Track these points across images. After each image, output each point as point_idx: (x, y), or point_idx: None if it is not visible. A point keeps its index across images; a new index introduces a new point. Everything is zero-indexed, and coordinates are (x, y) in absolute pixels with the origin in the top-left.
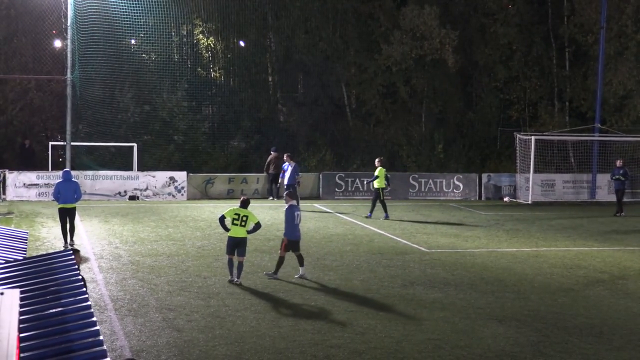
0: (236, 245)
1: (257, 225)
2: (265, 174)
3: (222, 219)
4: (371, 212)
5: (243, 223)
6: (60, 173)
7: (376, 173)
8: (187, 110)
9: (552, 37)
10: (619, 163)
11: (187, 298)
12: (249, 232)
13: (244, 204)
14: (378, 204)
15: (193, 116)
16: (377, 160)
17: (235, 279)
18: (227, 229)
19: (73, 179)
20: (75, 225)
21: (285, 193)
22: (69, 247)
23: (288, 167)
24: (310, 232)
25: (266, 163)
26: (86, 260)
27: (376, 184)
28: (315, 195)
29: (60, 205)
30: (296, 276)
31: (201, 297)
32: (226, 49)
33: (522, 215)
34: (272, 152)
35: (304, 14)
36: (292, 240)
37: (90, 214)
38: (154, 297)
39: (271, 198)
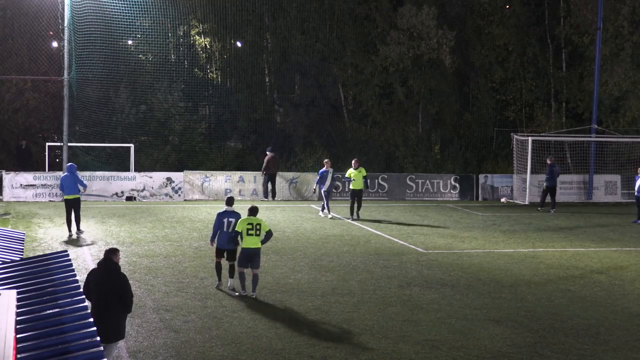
0: (251, 257)
1: (269, 234)
2: (263, 174)
3: (236, 235)
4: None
5: (257, 232)
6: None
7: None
8: (184, 111)
9: (548, 38)
10: (550, 160)
11: (184, 299)
12: (261, 242)
13: (254, 212)
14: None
15: (190, 117)
16: (355, 160)
17: (251, 293)
18: (236, 243)
19: (74, 173)
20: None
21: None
22: (76, 236)
23: (327, 173)
24: (307, 232)
25: (265, 164)
26: (83, 260)
27: (353, 185)
28: (312, 196)
29: (65, 197)
30: (228, 287)
31: (198, 297)
32: (223, 50)
33: (518, 216)
34: (268, 153)
35: (300, 15)
36: (219, 249)
37: (87, 215)
38: (151, 298)
39: (268, 199)
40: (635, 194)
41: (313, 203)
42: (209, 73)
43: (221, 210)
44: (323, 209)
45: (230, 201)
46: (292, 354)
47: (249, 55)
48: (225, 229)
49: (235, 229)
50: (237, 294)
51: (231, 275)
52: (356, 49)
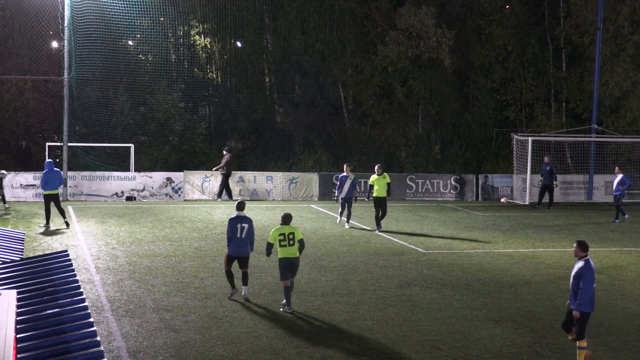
0: (292, 267)
1: (302, 245)
2: (220, 171)
3: (269, 246)
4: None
5: (292, 242)
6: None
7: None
8: (184, 111)
9: (548, 38)
10: (547, 159)
11: (184, 299)
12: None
13: (287, 220)
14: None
15: (189, 117)
16: (378, 166)
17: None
18: (269, 254)
19: (54, 169)
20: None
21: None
22: (65, 224)
23: (347, 180)
24: (307, 233)
25: (227, 164)
26: (83, 260)
27: (375, 192)
28: (312, 195)
29: (48, 192)
30: (243, 296)
31: (198, 297)
32: (223, 50)
33: (518, 216)
34: (225, 152)
35: (300, 15)
36: (231, 256)
37: (87, 215)
38: (151, 298)
39: (219, 199)
40: (614, 193)
41: (313, 203)
42: (209, 73)
43: (233, 216)
44: (348, 219)
45: (241, 206)
46: (292, 354)
47: (249, 55)
48: (239, 235)
49: (268, 240)
50: (287, 307)
51: (244, 282)
52: (356, 48)
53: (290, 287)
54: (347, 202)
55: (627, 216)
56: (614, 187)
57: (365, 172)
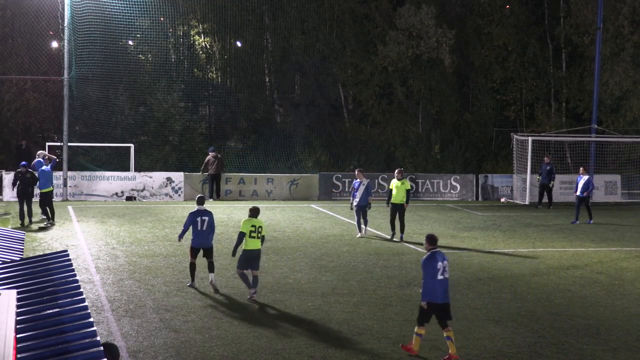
0: (252, 260)
1: (264, 240)
2: (201, 174)
3: (242, 236)
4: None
5: (259, 235)
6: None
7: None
8: (184, 111)
9: (548, 38)
10: (547, 159)
11: (184, 299)
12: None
13: (256, 213)
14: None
15: (190, 117)
16: (398, 170)
17: (251, 292)
18: (240, 243)
19: (45, 167)
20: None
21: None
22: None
23: (360, 185)
24: (307, 232)
25: (204, 164)
26: (84, 260)
27: (393, 198)
28: (312, 196)
29: (45, 190)
30: (211, 281)
31: (198, 297)
32: (223, 50)
33: (518, 216)
34: (209, 153)
35: (300, 15)
36: (195, 248)
37: (87, 215)
38: (151, 298)
39: (212, 199)
40: (577, 194)
41: (313, 203)
42: (209, 73)
43: (193, 210)
44: (365, 225)
45: (201, 200)
46: (292, 354)
47: (249, 55)
48: (199, 228)
49: (240, 230)
50: (251, 291)
51: (211, 270)
52: (356, 48)
53: (256, 280)
54: (362, 210)
55: (592, 220)
56: (579, 188)
57: (365, 172)
